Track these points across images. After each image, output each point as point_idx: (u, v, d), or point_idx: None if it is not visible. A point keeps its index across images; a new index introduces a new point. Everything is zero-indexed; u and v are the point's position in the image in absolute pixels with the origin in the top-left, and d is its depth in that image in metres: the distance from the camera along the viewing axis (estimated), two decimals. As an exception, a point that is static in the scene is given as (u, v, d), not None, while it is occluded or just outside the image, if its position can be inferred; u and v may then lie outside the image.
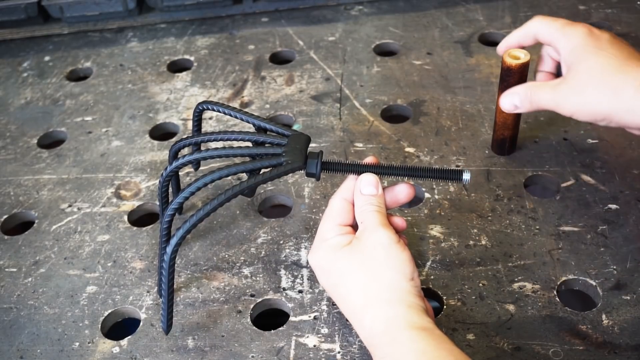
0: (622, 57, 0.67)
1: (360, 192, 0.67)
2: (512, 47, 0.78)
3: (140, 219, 0.86)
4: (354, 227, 0.68)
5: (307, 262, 0.76)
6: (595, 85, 0.67)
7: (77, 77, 1.12)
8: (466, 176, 0.68)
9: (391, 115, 0.98)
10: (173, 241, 0.64)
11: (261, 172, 0.66)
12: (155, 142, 0.96)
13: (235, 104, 1.01)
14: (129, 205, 0.86)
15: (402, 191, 0.69)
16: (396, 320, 0.59)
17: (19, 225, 0.87)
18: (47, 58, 1.15)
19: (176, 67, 1.12)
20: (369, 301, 0.61)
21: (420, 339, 0.57)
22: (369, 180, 0.67)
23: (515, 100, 0.74)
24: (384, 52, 1.10)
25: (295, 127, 0.96)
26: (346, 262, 0.64)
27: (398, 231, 0.67)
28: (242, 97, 1.02)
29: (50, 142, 1.00)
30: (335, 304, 0.71)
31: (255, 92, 1.03)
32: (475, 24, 1.12)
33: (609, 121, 0.67)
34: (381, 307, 0.60)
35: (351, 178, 0.69)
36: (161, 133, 0.99)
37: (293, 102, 1.00)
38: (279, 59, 1.11)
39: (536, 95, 0.72)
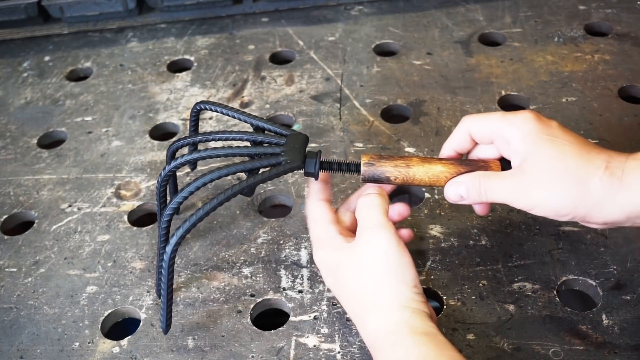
0: (577, 144, 0.61)
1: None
2: (450, 156, 0.70)
3: (140, 219, 0.86)
4: (350, 226, 0.69)
5: (308, 262, 0.76)
6: (559, 177, 0.60)
7: (77, 77, 1.12)
8: None
9: (391, 115, 0.98)
10: (173, 241, 0.64)
11: (260, 172, 0.66)
12: (155, 142, 0.96)
13: (235, 104, 1.01)
14: (129, 205, 0.86)
15: (396, 211, 0.70)
16: (398, 325, 0.59)
17: (19, 225, 0.87)
18: (47, 58, 1.15)
19: (176, 67, 1.11)
20: (371, 307, 0.61)
21: (422, 344, 0.57)
22: None
23: (461, 190, 0.65)
24: (384, 52, 1.10)
25: (295, 127, 0.96)
26: (348, 266, 0.64)
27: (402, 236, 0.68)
28: (242, 97, 1.02)
29: (50, 142, 1.00)
30: (336, 304, 0.71)
31: (255, 92, 1.03)
32: (475, 24, 1.12)
33: (573, 216, 0.61)
34: (384, 313, 0.60)
35: (312, 181, 0.69)
36: (161, 133, 0.99)
37: (293, 102, 1.00)
38: (279, 59, 1.11)
39: (488, 187, 0.64)
